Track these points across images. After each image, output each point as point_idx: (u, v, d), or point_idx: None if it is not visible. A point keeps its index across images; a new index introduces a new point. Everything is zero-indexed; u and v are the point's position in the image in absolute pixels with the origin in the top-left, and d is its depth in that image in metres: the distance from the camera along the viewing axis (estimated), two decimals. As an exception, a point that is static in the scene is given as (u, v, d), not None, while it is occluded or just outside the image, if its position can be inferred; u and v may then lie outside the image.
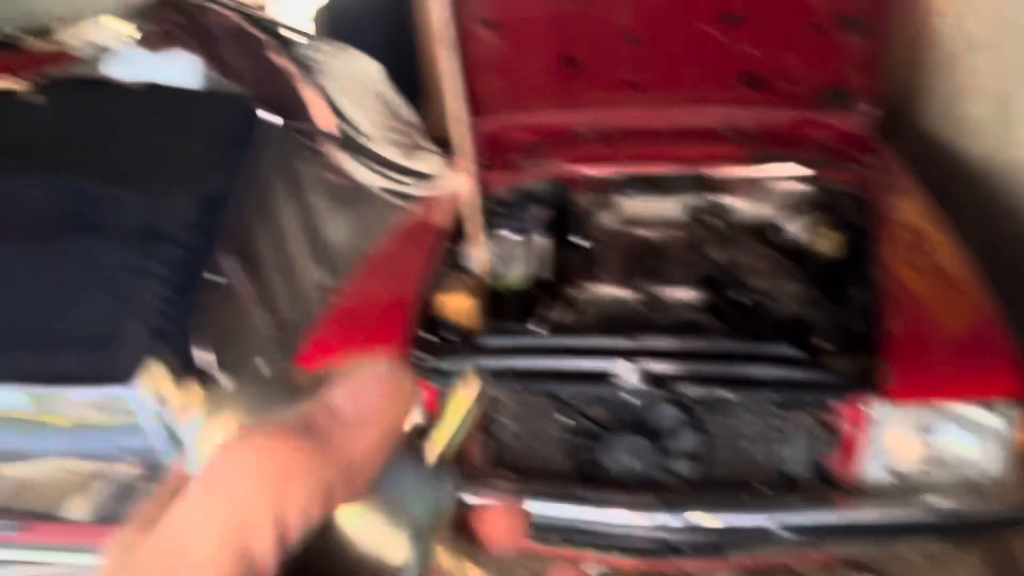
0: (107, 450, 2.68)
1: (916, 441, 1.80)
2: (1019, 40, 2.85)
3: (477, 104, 2.80)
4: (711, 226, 2.61)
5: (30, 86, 3.15)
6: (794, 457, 1.86)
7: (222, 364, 2.53)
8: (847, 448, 1.83)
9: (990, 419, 1.75)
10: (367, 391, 0.32)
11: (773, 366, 1.85)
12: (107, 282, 2.64)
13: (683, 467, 1.90)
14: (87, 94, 2.97)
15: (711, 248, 2.39)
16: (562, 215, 2.76)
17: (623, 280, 2.28)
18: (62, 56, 3.51)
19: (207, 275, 2.76)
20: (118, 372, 2.49)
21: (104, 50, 3.29)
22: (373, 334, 2.10)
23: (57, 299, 2.65)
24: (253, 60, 3.05)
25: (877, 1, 2.34)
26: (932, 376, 1.81)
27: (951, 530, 1.80)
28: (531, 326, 2.17)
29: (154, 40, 2.96)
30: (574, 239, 2.73)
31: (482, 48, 2.58)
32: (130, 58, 3.01)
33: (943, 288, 2.11)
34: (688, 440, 1.89)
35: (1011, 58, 2.92)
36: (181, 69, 2.93)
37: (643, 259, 2.43)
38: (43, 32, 4.59)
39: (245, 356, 2.74)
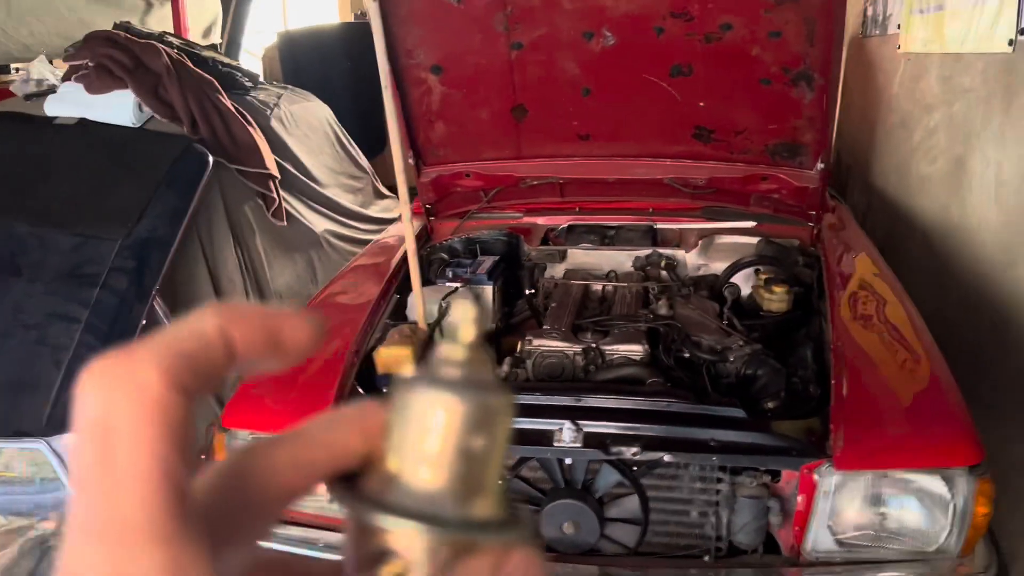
0: (25, 506, 2.52)
1: (865, 510, 1.72)
2: (969, 102, 2.86)
3: (425, 151, 2.74)
4: (660, 279, 2.54)
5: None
6: (739, 525, 1.77)
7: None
8: (794, 516, 1.74)
9: (941, 488, 1.68)
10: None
11: (720, 429, 1.76)
12: (28, 328, 2.50)
13: (623, 535, 1.79)
14: (17, 131, 2.85)
15: (659, 302, 2.32)
16: (510, 264, 2.69)
17: (567, 333, 2.19)
18: (4, 92, 3.40)
19: (143, 323, 2.63)
20: (32, 422, 2.35)
21: (49, 88, 3.18)
22: (306, 386, 1.98)
23: (-27, 344, 2.50)
24: (197, 101, 2.95)
25: (827, 57, 2.31)
26: (883, 443, 1.74)
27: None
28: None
29: (91, 77, 2.85)
30: (520, 289, 2.66)
31: (430, 95, 2.51)
32: (67, 95, 2.90)
33: (895, 348, 2.05)
34: (629, 506, 1.79)
35: (962, 120, 2.94)
36: (117, 107, 2.82)
37: (589, 311, 2.35)
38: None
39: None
